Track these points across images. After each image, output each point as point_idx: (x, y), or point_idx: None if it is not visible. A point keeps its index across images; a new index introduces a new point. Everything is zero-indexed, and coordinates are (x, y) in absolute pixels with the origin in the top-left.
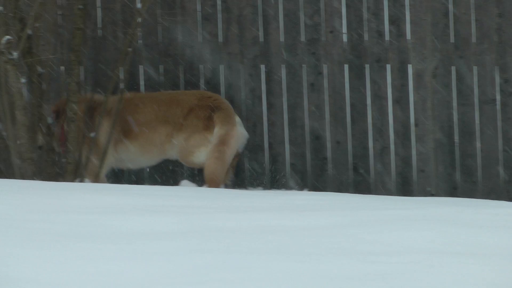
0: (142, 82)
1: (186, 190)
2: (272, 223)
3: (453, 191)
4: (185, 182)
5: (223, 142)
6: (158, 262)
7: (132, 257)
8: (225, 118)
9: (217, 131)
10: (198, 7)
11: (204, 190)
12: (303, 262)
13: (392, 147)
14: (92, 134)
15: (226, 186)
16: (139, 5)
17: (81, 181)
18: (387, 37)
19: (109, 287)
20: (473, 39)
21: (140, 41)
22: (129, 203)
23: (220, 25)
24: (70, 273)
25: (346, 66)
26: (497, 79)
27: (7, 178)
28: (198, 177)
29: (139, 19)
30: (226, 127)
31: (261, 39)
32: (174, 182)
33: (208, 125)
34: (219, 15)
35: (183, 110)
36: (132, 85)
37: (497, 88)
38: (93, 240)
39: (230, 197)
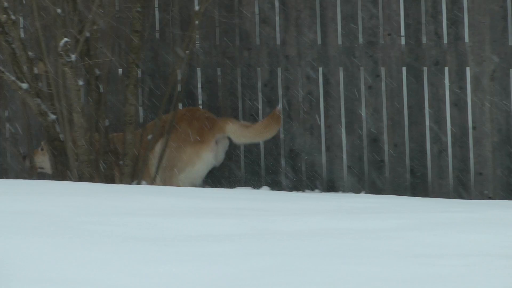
0: (199, 85)
1: (243, 193)
2: (329, 226)
3: (510, 194)
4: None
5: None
6: (216, 264)
7: (191, 259)
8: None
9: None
10: (256, 10)
11: (261, 193)
12: (360, 264)
13: (449, 150)
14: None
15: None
16: (197, 7)
17: (138, 183)
18: (445, 40)
19: None
20: None
21: (197, 44)
22: (186, 205)
23: (277, 28)
24: (128, 276)
25: (404, 69)
26: None
27: (64, 180)
28: (253, 181)
29: (197, 21)
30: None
31: (319, 41)
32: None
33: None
34: (277, 18)
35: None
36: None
37: None
38: (152, 243)
39: (287, 200)
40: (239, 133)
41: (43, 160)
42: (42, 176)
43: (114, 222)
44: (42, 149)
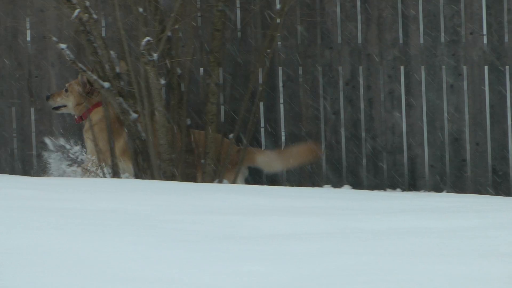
0: (280, 84)
1: (325, 192)
2: (412, 224)
3: None
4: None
5: None
6: (300, 263)
7: (275, 258)
8: None
9: None
10: (338, 8)
11: (344, 192)
12: (444, 264)
13: None
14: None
15: None
16: (278, 6)
17: (220, 182)
18: None
19: None
20: None
21: (279, 43)
22: (270, 204)
23: (359, 27)
24: (212, 275)
25: (486, 68)
26: None
27: (146, 179)
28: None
29: (279, 20)
30: None
31: (401, 40)
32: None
33: None
34: (359, 17)
35: None
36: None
37: None
38: (236, 242)
39: (370, 199)
40: (270, 163)
41: (67, 101)
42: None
43: (197, 220)
44: (66, 90)
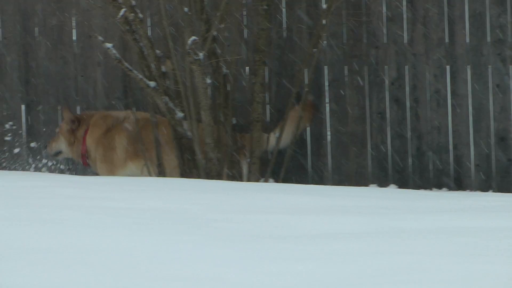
0: (326, 83)
1: (371, 191)
2: (458, 224)
3: None
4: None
5: None
6: (345, 263)
7: (320, 257)
8: None
9: None
10: (383, 8)
11: (389, 191)
12: (491, 263)
13: None
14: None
15: None
16: (324, 6)
17: (265, 181)
18: None
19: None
20: None
21: (324, 42)
22: (315, 203)
23: (405, 26)
24: (259, 274)
25: None
26: None
27: (192, 178)
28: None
29: (324, 20)
30: None
31: (446, 39)
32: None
33: None
34: (404, 16)
35: None
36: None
37: None
38: (281, 241)
39: (416, 198)
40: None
41: (60, 144)
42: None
43: (244, 220)
44: (57, 134)
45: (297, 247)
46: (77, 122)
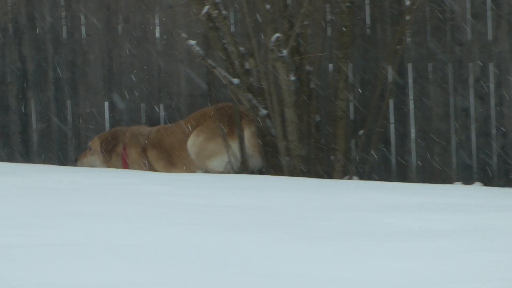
0: (409, 80)
1: (456, 188)
2: None
3: None
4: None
5: None
6: (436, 261)
7: (411, 255)
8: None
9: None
10: (467, 4)
11: (475, 188)
12: None
13: None
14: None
15: None
16: (408, 2)
17: (349, 178)
18: None
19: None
20: None
21: (408, 39)
22: (402, 201)
23: (489, 23)
24: (348, 272)
25: None
26: None
27: (275, 175)
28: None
29: (408, 17)
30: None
31: None
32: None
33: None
34: (488, 13)
35: None
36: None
37: None
38: (372, 238)
39: (502, 196)
40: None
41: (93, 161)
42: None
43: (331, 217)
44: (90, 149)
45: (388, 244)
46: (114, 140)
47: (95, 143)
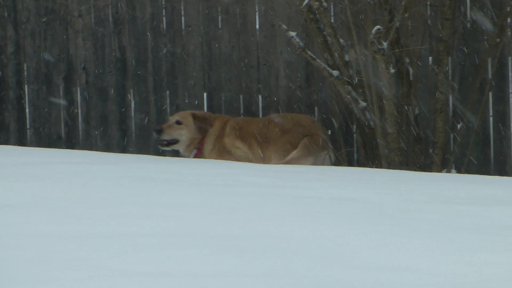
0: (510, 74)
1: None
2: None
3: None
4: None
5: None
6: None
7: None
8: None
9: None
10: None
11: None
12: None
13: None
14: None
15: None
16: None
17: (448, 171)
18: None
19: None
20: None
21: (509, 32)
22: (503, 194)
23: None
24: (451, 264)
25: None
26: None
27: (373, 167)
28: None
29: (509, 8)
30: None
31: None
32: None
33: None
34: None
35: None
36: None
37: None
38: (471, 231)
39: None
40: None
41: (180, 135)
42: None
43: (435, 210)
44: (179, 122)
45: (487, 237)
46: (207, 120)
47: (186, 118)
